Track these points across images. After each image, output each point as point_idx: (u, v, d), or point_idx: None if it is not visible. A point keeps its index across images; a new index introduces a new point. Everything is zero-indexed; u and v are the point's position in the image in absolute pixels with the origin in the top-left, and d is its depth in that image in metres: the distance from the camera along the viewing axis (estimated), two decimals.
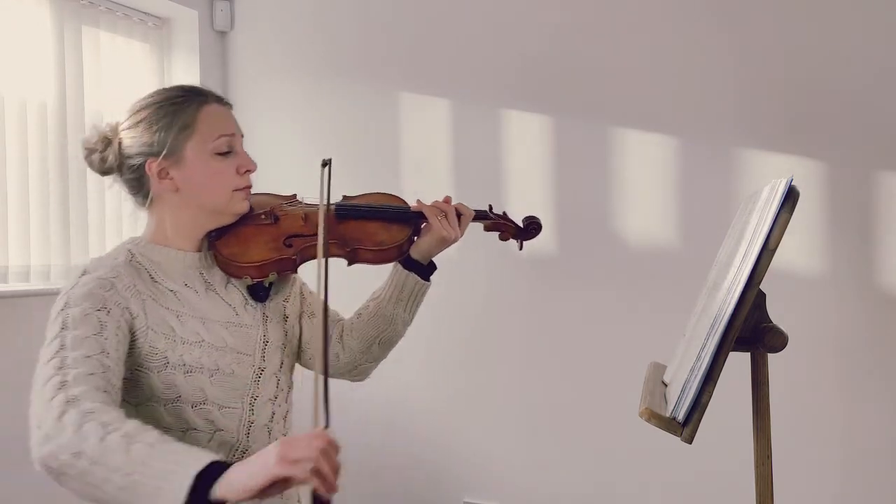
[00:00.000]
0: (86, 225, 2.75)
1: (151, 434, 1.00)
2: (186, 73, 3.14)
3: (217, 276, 1.36)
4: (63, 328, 1.15)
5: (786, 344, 1.18)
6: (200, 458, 0.96)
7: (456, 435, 2.85)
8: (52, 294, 2.50)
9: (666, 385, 1.36)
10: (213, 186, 1.33)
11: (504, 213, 1.60)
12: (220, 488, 0.93)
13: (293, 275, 1.48)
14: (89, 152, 1.35)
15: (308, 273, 1.44)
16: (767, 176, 2.37)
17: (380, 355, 1.54)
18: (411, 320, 1.52)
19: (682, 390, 1.12)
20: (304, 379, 1.46)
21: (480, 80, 2.81)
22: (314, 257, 1.37)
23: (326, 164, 1.37)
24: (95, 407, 1.03)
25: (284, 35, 3.14)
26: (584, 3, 2.66)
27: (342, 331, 1.52)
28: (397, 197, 1.52)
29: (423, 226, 1.47)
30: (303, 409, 1.30)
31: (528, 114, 2.74)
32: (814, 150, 2.39)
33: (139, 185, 1.34)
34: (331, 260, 1.30)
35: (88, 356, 1.12)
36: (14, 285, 2.50)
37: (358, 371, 1.56)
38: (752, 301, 1.10)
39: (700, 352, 1.12)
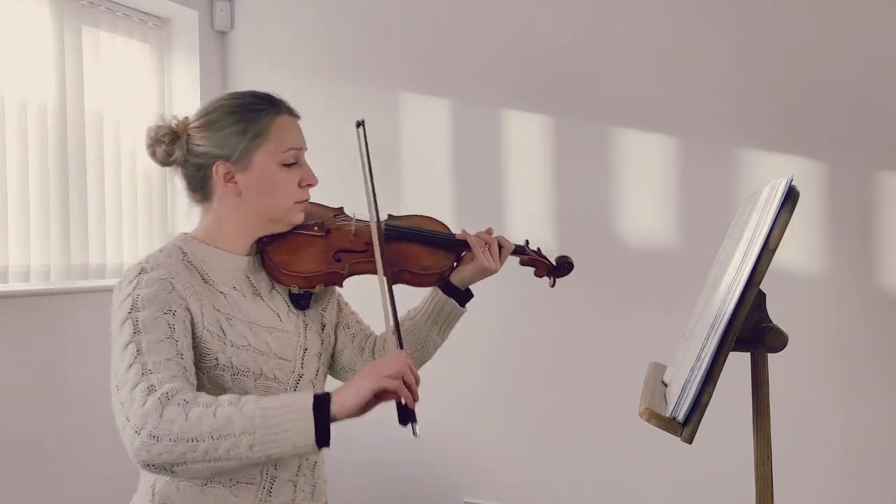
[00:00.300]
0: (86, 225, 2.75)
1: (246, 396, 1.11)
2: (186, 74, 3.14)
3: (263, 281, 1.38)
4: (135, 332, 1.17)
5: (786, 344, 1.18)
6: (305, 395, 1.09)
7: (456, 435, 2.85)
8: (52, 294, 2.52)
9: (666, 385, 1.36)
10: (276, 196, 1.34)
11: (539, 250, 1.63)
12: (334, 410, 1.08)
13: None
14: (155, 143, 1.34)
15: (355, 287, 1.47)
16: (767, 176, 2.37)
17: None
18: (442, 343, 1.55)
19: (682, 390, 1.12)
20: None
21: (480, 80, 2.81)
22: (362, 273, 1.40)
23: (360, 124, 1.39)
24: (189, 396, 1.11)
25: (284, 35, 3.14)
26: (585, 4, 2.66)
27: (374, 346, 1.53)
28: (440, 221, 1.54)
29: (463, 254, 1.50)
30: None
31: (528, 114, 2.74)
32: (814, 150, 2.39)
33: (200, 183, 1.35)
34: (371, 278, 1.34)
35: (168, 359, 1.16)
36: (14, 285, 2.50)
37: None
38: (752, 301, 1.10)
39: (700, 352, 1.12)
